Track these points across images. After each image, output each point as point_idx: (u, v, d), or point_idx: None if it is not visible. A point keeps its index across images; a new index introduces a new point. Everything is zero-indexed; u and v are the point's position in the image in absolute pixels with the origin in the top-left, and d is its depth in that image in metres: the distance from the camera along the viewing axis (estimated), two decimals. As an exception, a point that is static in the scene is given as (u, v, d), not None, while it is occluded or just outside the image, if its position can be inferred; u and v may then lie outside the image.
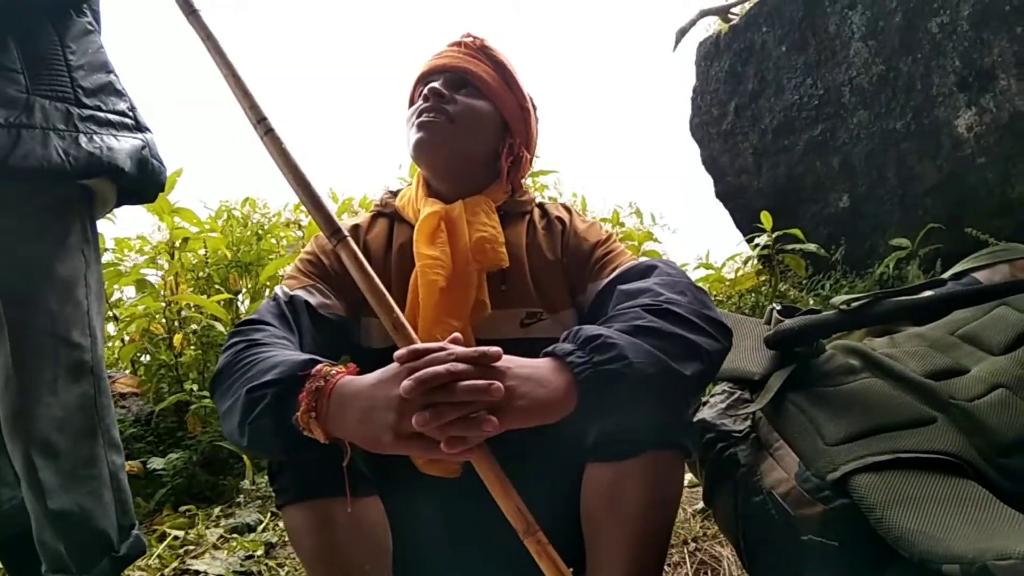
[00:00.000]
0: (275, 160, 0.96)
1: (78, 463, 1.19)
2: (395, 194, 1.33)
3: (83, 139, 1.19)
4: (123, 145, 1.26)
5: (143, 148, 1.31)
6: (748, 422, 1.18)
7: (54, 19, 1.23)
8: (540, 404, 0.82)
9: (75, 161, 1.17)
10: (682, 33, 4.33)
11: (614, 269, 1.15)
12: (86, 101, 1.23)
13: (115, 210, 1.42)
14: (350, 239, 0.95)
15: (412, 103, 1.29)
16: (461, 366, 0.80)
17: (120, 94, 1.32)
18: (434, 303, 1.10)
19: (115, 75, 1.33)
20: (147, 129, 1.35)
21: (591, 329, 0.88)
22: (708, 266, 3.83)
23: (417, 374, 0.78)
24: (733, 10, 4.13)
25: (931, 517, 0.84)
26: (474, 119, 1.22)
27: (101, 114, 1.25)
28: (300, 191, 0.96)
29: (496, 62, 1.27)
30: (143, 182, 1.31)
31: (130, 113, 1.32)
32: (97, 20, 1.36)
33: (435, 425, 0.77)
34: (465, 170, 1.24)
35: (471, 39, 1.28)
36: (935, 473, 0.92)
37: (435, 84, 1.21)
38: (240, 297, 3.11)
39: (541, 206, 1.32)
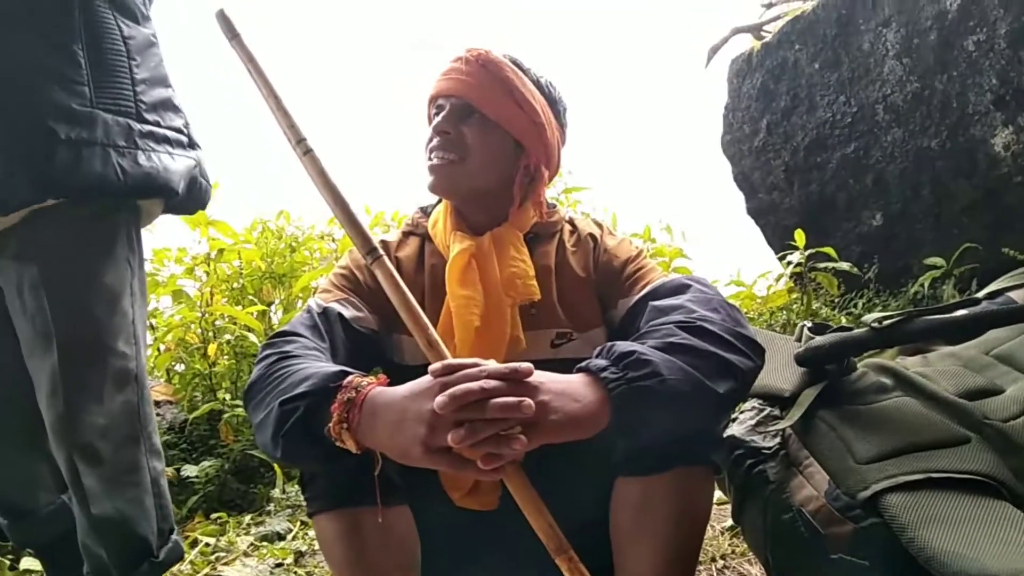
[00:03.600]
0: (313, 180, 0.98)
1: (121, 470, 1.21)
2: (425, 212, 1.33)
3: (141, 156, 1.20)
4: (177, 165, 1.27)
5: (195, 167, 1.32)
6: (778, 439, 1.17)
7: (122, 26, 1.22)
8: (573, 419, 0.82)
9: (132, 180, 1.17)
10: (714, 51, 4.33)
11: (645, 285, 1.15)
12: (147, 116, 1.23)
13: (154, 220, 1.45)
14: (385, 258, 0.96)
15: (430, 122, 1.27)
16: (494, 383, 0.80)
17: (177, 110, 1.33)
18: (471, 343, 1.10)
19: (173, 89, 1.33)
20: (199, 146, 1.36)
21: (624, 345, 0.89)
22: (740, 283, 3.81)
23: (451, 390, 0.79)
24: (766, 28, 4.13)
25: (964, 537, 0.83)
26: (485, 152, 1.20)
27: (159, 130, 1.25)
28: (337, 210, 0.98)
29: (500, 79, 1.20)
30: (191, 202, 1.33)
31: (185, 130, 1.33)
32: (155, 33, 1.35)
33: (470, 442, 0.77)
34: (486, 202, 1.24)
35: (472, 55, 1.21)
36: (968, 494, 0.91)
37: (441, 120, 1.20)
38: (273, 308, 3.15)
39: (572, 222, 1.32)
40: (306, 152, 0.98)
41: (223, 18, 1.03)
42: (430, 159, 1.20)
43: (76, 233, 1.20)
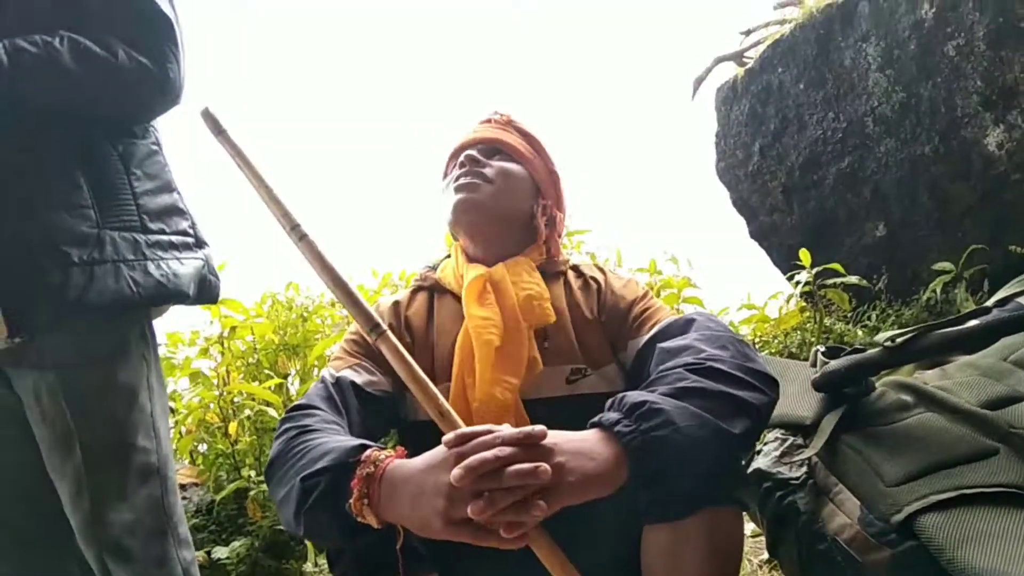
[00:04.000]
0: (311, 263, 1.00)
1: (150, 564, 1.21)
2: (433, 268, 1.36)
3: (151, 266, 1.22)
4: (187, 269, 1.29)
5: (203, 267, 1.34)
6: (804, 468, 1.16)
7: (118, 145, 1.26)
8: (591, 478, 0.82)
9: (144, 291, 1.19)
10: (699, 81, 4.39)
11: (653, 326, 1.16)
12: (151, 226, 1.26)
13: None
14: (389, 333, 0.98)
15: (445, 174, 1.38)
16: (509, 450, 0.80)
17: (182, 212, 1.35)
18: (491, 363, 1.12)
19: (178, 192, 1.36)
20: (205, 244, 1.38)
21: (635, 395, 0.89)
22: (751, 307, 3.79)
23: (466, 462, 0.78)
24: (747, 54, 4.19)
25: (1004, 553, 0.82)
26: (509, 180, 1.29)
27: (165, 237, 1.27)
28: (337, 291, 1.00)
29: (524, 133, 1.36)
30: (200, 299, 1.35)
31: (191, 231, 1.35)
32: (159, 139, 1.38)
33: (491, 513, 0.77)
34: (504, 231, 1.29)
35: (499, 115, 1.38)
36: (1003, 507, 0.89)
37: (470, 152, 1.30)
38: (290, 379, 3.16)
39: (575, 267, 1.34)
40: (301, 238, 1.00)
41: (209, 116, 1.06)
42: (457, 181, 1.29)
43: (91, 339, 1.21)
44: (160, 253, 1.25)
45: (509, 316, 1.16)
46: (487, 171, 1.28)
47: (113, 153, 1.25)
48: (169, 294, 1.24)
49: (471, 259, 1.29)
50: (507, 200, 1.29)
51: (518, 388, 1.11)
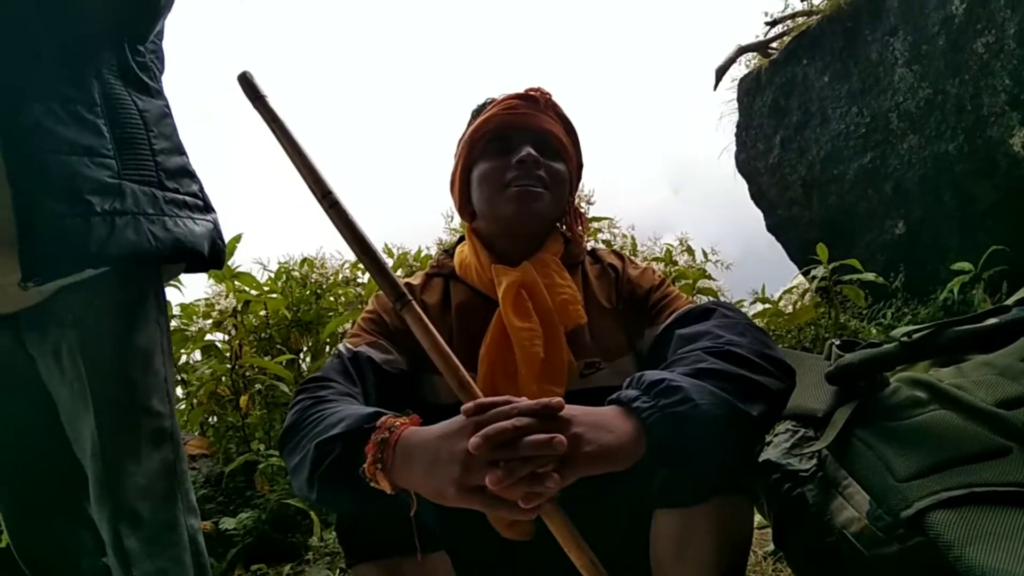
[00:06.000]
0: (340, 231, 0.99)
1: (160, 529, 1.22)
2: (449, 254, 1.35)
3: (169, 222, 1.22)
4: (200, 228, 1.29)
5: (213, 230, 1.34)
6: (814, 460, 1.16)
7: (138, 100, 1.25)
8: (608, 450, 0.81)
9: (163, 246, 1.19)
10: (722, 71, 4.35)
11: (671, 313, 1.15)
12: (168, 184, 1.26)
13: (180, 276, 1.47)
14: (414, 303, 0.97)
15: (470, 156, 1.28)
16: (526, 420, 0.80)
17: (192, 175, 1.35)
18: (536, 374, 1.11)
19: (187, 157, 1.36)
20: (213, 209, 1.38)
21: (654, 374, 0.89)
22: (765, 300, 3.77)
23: (484, 430, 0.79)
24: (772, 45, 4.14)
25: (1012, 553, 0.82)
26: (561, 186, 1.26)
27: (180, 196, 1.28)
28: (365, 259, 0.99)
29: (566, 120, 1.29)
30: (210, 263, 1.35)
31: (200, 194, 1.35)
32: (168, 102, 1.38)
33: (509, 483, 0.77)
34: (541, 233, 1.27)
35: (540, 94, 1.27)
36: (1013, 507, 0.89)
37: (528, 152, 1.21)
38: (302, 355, 3.18)
39: (593, 252, 1.33)
40: (332, 205, 1.00)
41: (246, 81, 1.05)
42: (516, 186, 1.20)
43: (110, 298, 1.22)
44: (176, 211, 1.25)
45: (547, 322, 1.15)
46: (546, 175, 1.22)
47: (134, 107, 1.25)
48: (186, 251, 1.24)
49: (493, 253, 1.25)
50: (557, 207, 1.27)
51: (562, 395, 1.09)
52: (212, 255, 1.33)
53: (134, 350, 1.23)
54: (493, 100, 1.29)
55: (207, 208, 1.36)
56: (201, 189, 1.36)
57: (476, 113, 1.31)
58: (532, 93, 1.26)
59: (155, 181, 1.24)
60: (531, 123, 1.24)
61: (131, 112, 1.24)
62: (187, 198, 1.30)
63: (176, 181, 1.29)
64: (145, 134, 1.25)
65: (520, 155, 1.20)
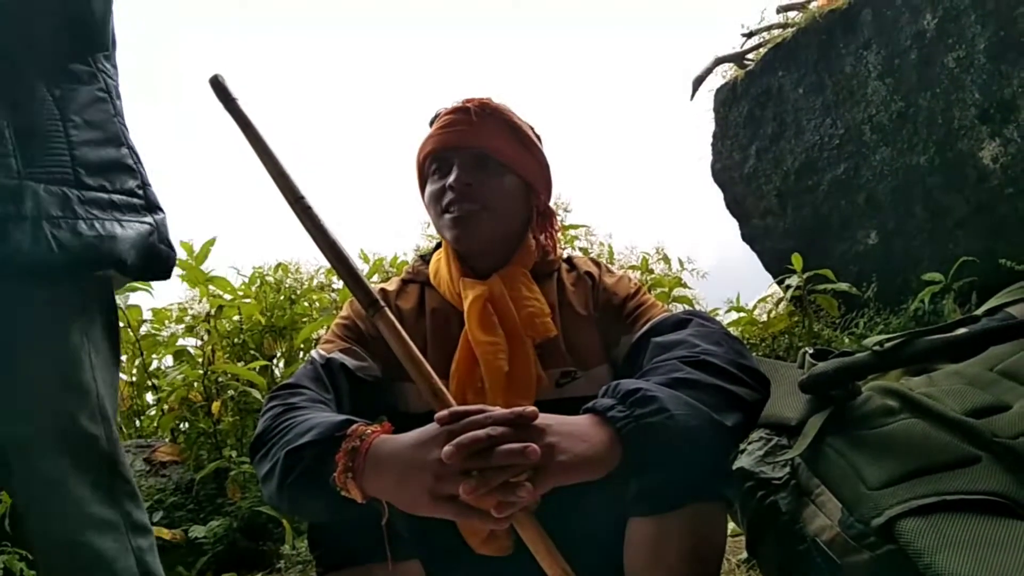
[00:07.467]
0: (313, 236, 0.98)
1: (91, 560, 1.11)
2: (425, 260, 1.33)
3: (83, 226, 1.11)
4: (127, 232, 1.17)
5: (151, 234, 1.22)
6: (787, 468, 1.16)
7: (54, 89, 1.14)
8: (582, 460, 0.81)
9: (69, 253, 1.08)
10: (699, 81, 4.38)
11: (647, 321, 1.15)
12: (88, 181, 1.14)
13: (153, 282, 1.37)
14: (387, 310, 0.96)
15: (422, 175, 1.27)
16: (500, 429, 0.79)
17: (131, 170, 1.23)
18: (502, 388, 1.10)
19: (128, 148, 1.24)
20: (158, 209, 1.26)
21: (630, 383, 0.88)
22: (739, 309, 3.80)
23: (458, 439, 0.78)
24: (748, 56, 4.19)
25: (981, 561, 0.83)
26: (505, 200, 1.21)
27: (105, 195, 1.16)
28: (338, 265, 0.98)
29: (507, 124, 1.23)
30: (147, 270, 1.23)
31: (139, 192, 1.23)
32: (111, 87, 1.26)
33: (482, 492, 0.76)
34: (501, 246, 1.23)
35: (474, 104, 1.21)
36: (983, 515, 0.90)
37: (459, 173, 1.18)
38: (275, 361, 3.15)
39: (569, 260, 1.32)
40: (304, 210, 0.99)
41: (218, 84, 1.04)
42: (450, 212, 1.18)
43: (11, 313, 1.10)
44: (96, 212, 1.14)
45: (513, 336, 1.14)
46: (480, 192, 1.18)
47: (48, 97, 1.14)
48: (100, 258, 1.13)
49: (465, 267, 1.23)
50: (504, 221, 1.21)
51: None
52: (147, 263, 1.22)
53: (45, 366, 1.12)
54: (440, 113, 1.26)
55: (148, 208, 1.24)
56: (142, 186, 1.25)
57: (430, 124, 1.28)
58: (468, 105, 1.21)
59: (69, 179, 1.12)
60: (467, 140, 1.20)
61: (43, 102, 1.13)
62: (115, 197, 1.18)
63: (103, 177, 1.18)
64: (60, 126, 1.14)
65: (450, 180, 1.18)
